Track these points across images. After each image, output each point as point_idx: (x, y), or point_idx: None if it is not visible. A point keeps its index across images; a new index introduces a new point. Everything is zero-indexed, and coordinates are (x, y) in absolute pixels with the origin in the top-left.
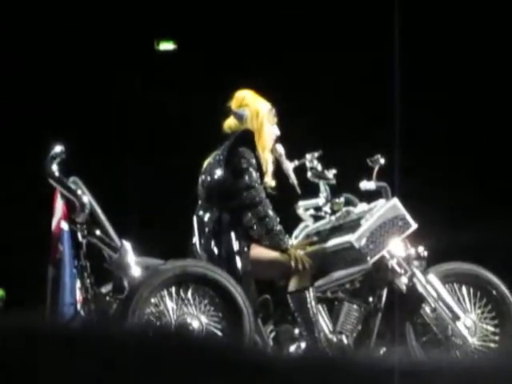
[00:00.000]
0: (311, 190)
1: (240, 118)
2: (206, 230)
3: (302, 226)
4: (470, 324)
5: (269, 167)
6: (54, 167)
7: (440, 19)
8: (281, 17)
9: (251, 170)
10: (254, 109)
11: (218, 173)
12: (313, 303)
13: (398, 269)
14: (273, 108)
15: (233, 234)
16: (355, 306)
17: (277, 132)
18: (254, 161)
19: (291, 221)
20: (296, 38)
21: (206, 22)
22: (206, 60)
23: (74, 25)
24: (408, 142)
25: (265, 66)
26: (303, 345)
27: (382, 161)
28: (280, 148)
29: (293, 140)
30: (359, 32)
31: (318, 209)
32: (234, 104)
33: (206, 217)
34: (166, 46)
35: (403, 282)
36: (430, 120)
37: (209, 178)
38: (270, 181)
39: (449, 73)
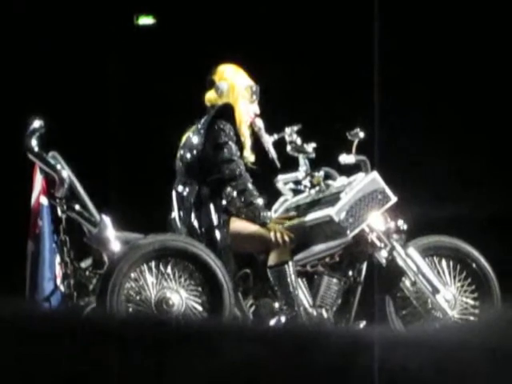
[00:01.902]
0: (291, 164)
1: (218, 90)
2: (186, 204)
3: (281, 199)
4: (449, 297)
5: (247, 142)
6: (33, 142)
7: (422, 8)
8: None
9: (230, 143)
10: (231, 83)
11: (198, 147)
12: (292, 277)
13: (377, 242)
14: (254, 85)
15: (212, 208)
16: (335, 280)
17: (256, 110)
18: (233, 134)
19: (271, 195)
20: (277, 17)
21: None
22: (186, 35)
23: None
24: (387, 115)
25: (245, 41)
26: (283, 319)
27: (362, 134)
28: (259, 122)
29: (272, 114)
30: (338, 12)
31: (297, 183)
32: (216, 76)
33: (185, 191)
34: (146, 20)
35: (383, 255)
36: (411, 91)
37: (188, 152)
38: (248, 155)
39: (429, 49)
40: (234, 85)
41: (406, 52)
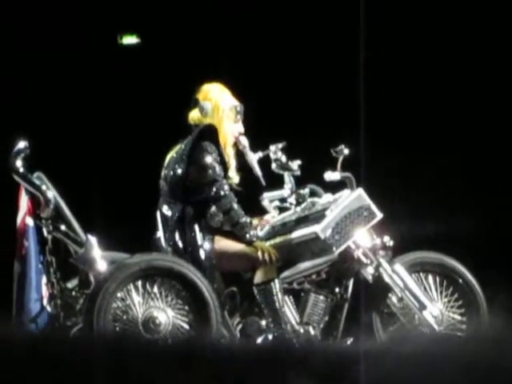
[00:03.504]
0: (276, 182)
1: (202, 110)
2: (170, 223)
3: (267, 217)
4: (436, 313)
5: (231, 162)
6: (19, 163)
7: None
8: (246, 10)
9: (214, 164)
10: (215, 103)
11: (182, 167)
12: (279, 295)
13: (364, 259)
14: (239, 105)
15: (197, 227)
16: (322, 297)
17: (240, 129)
18: (217, 155)
19: (256, 213)
20: (260, 31)
21: (169, 16)
22: (170, 54)
23: (37, 18)
24: (372, 132)
25: (230, 59)
26: (270, 336)
27: (347, 151)
28: (244, 140)
29: (257, 131)
30: (323, 27)
31: (282, 200)
32: (200, 96)
33: (170, 211)
34: (130, 39)
35: (369, 272)
36: (395, 110)
37: (172, 173)
38: (233, 176)
39: (415, 68)
40: (218, 105)
41: (392, 70)
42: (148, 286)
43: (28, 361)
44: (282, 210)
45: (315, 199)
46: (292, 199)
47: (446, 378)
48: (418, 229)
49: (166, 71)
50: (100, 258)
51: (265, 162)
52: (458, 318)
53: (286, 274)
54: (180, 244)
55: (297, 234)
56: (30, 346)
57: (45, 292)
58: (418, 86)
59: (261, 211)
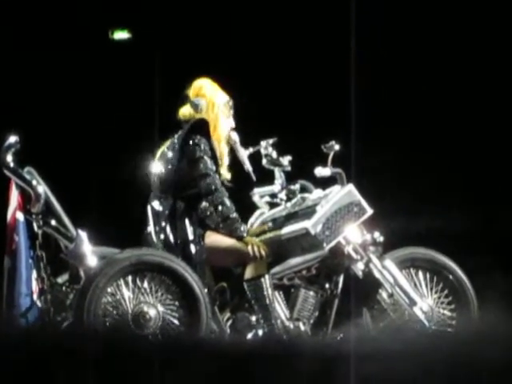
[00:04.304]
0: (266, 177)
1: (196, 107)
2: (161, 218)
3: (257, 213)
4: (426, 309)
5: (224, 160)
6: (9, 157)
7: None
8: (237, 6)
9: (206, 158)
10: (210, 100)
11: (173, 161)
12: (269, 290)
13: (354, 255)
14: (230, 100)
15: (187, 222)
16: (312, 293)
17: (232, 124)
18: (208, 149)
19: (247, 208)
20: (251, 27)
21: (160, 11)
22: (161, 49)
23: (26, 14)
24: (363, 128)
25: (219, 54)
26: (260, 332)
27: (337, 147)
28: (235, 135)
29: (247, 127)
30: (316, 20)
31: (273, 196)
32: (191, 92)
33: (161, 206)
34: (121, 35)
35: (359, 267)
36: (385, 104)
37: (163, 167)
38: (225, 173)
39: (405, 64)
40: (213, 102)
41: (383, 66)
42: (138, 281)
43: (18, 356)
44: (272, 205)
45: (306, 195)
46: (282, 195)
47: (436, 373)
48: (408, 225)
49: (157, 66)
50: (90, 253)
51: (255, 158)
52: (448, 314)
53: (276, 269)
54: (170, 239)
55: (287, 229)
56: (19, 340)
57: (35, 287)
58: (409, 82)
59: (251, 206)
